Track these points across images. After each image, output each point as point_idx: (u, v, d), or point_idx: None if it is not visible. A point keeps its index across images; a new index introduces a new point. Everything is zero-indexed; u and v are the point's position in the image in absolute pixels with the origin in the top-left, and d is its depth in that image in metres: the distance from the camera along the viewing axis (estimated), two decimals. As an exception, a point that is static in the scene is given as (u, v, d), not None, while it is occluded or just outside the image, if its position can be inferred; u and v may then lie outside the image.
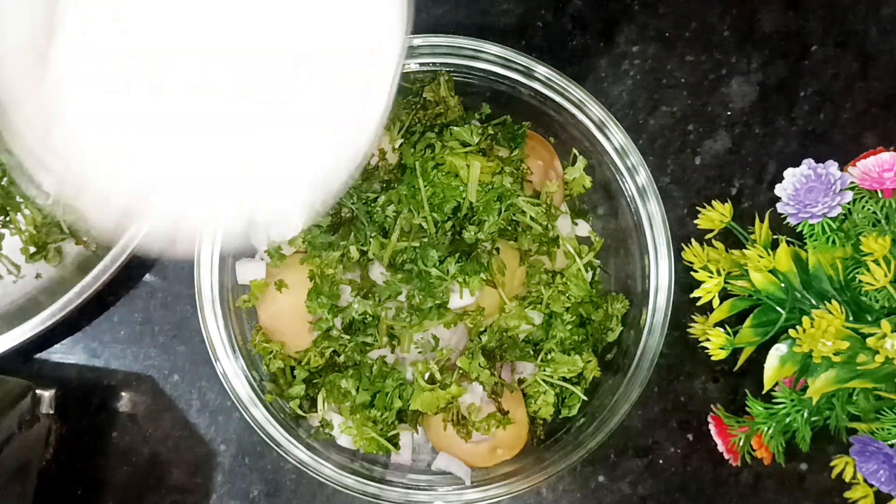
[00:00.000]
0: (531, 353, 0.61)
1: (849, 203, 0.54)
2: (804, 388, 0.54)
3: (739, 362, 0.56)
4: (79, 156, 0.41)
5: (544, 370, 0.61)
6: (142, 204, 0.42)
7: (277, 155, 0.43)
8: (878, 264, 0.51)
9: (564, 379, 0.61)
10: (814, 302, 0.54)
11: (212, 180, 0.42)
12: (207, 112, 0.41)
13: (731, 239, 0.58)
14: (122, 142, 0.41)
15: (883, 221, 0.54)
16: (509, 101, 0.63)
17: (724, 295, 0.56)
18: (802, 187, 0.54)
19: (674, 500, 0.67)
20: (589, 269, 0.63)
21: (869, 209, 0.55)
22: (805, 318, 0.51)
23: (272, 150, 0.43)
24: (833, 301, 0.51)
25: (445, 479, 0.61)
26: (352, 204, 0.58)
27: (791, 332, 0.52)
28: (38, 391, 0.63)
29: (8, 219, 0.65)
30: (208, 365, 0.60)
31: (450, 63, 0.62)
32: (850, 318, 0.53)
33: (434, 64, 0.62)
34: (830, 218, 0.53)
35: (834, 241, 0.54)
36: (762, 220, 0.57)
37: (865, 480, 0.53)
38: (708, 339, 0.55)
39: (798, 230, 0.55)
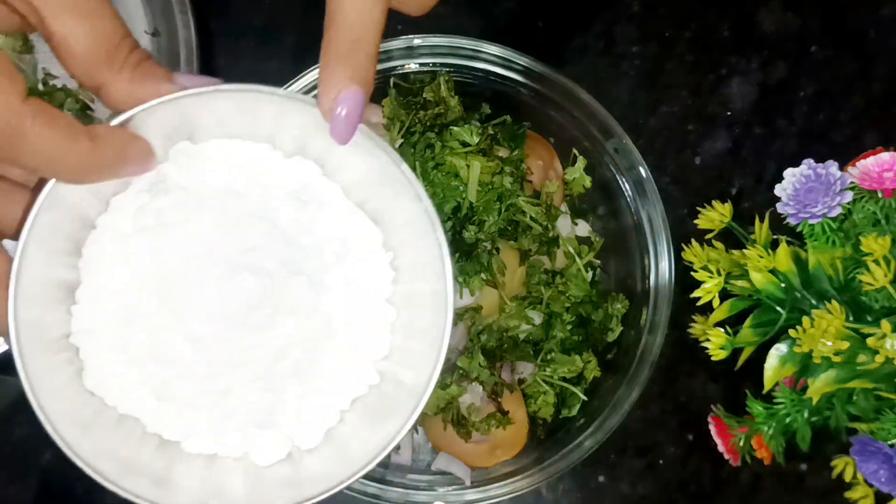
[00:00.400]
0: (531, 353, 0.61)
1: (848, 203, 0.54)
2: (804, 388, 0.54)
3: (739, 362, 0.56)
4: (114, 396, 0.40)
5: (544, 370, 0.61)
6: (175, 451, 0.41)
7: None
8: (878, 264, 0.51)
9: (564, 379, 0.61)
10: (814, 302, 0.54)
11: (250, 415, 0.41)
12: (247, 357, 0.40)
13: (731, 239, 0.57)
14: (155, 385, 0.40)
15: (883, 221, 0.54)
16: (509, 101, 0.63)
17: (724, 295, 0.56)
18: (802, 187, 0.54)
19: (674, 500, 0.67)
20: (589, 269, 0.63)
21: (869, 209, 0.55)
22: (805, 318, 0.51)
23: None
24: (833, 301, 0.51)
25: (445, 479, 0.61)
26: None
27: (791, 332, 0.52)
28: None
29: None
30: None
31: (450, 63, 0.62)
32: (850, 318, 0.53)
33: (434, 64, 0.62)
34: (830, 218, 0.53)
35: (834, 242, 0.54)
36: (762, 220, 0.56)
37: (865, 480, 0.53)
38: (708, 339, 0.55)
39: (798, 230, 0.55)
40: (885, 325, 0.49)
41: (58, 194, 0.36)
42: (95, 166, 0.35)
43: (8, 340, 0.36)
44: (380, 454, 0.39)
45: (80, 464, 0.37)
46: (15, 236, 0.37)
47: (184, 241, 0.39)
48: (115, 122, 0.36)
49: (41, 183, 0.36)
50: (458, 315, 0.59)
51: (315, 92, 0.60)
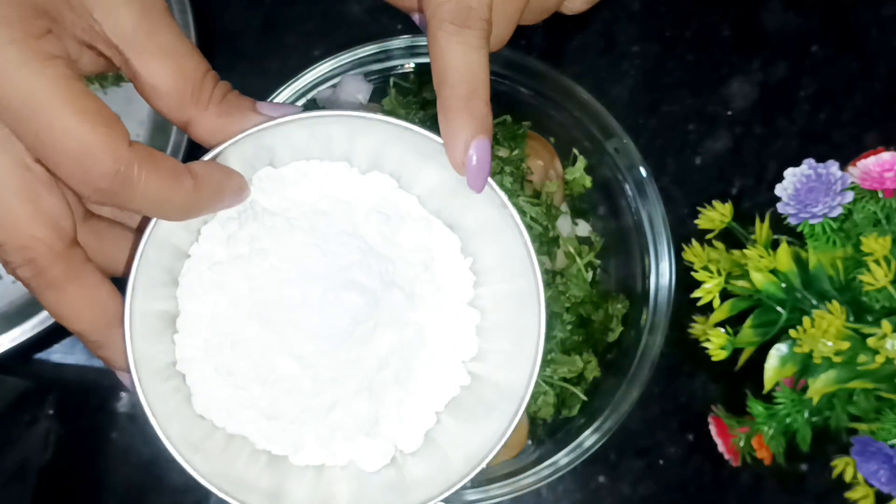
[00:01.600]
0: (531, 353, 0.61)
1: (849, 203, 0.54)
2: (804, 389, 0.54)
3: (740, 363, 0.56)
4: (222, 418, 0.41)
5: (544, 370, 0.61)
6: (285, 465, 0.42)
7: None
8: (879, 264, 0.51)
9: (564, 379, 0.61)
10: (814, 302, 0.54)
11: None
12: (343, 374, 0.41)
13: (732, 239, 0.57)
14: (260, 404, 0.41)
15: (883, 221, 0.54)
16: (509, 101, 0.63)
17: (725, 295, 0.56)
18: (803, 187, 0.54)
19: (674, 501, 0.66)
20: (589, 269, 0.63)
21: (870, 209, 0.55)
22: (805, 319, 0.51)
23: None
24: (834, 301, 0.51)
25: (445, 480, 0.61)
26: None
27: (791, 332, 0.52)
28: (37, 391, 0.63)
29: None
30: (208, 365, 0.60)
31: (450, 63, 0.62)
32: (851, 319, 0.53)
33: (434, 64, 0.62)
34: (831, 218, 0.53)
35: (834, 242, 0.54)
36: (763, 220, 0.56)
37: (866, 481, 0.52)
38: (708, 340, 0.55)
39: (798, 230, 0.55)
40: (886, 325, 0.49)
41: (158, 231, 0.37)
42: (198, 205, 0.37)
43: (125, 375, 0.38)
44: (483, 458, 0.40)
45: (201, 481, 0.38)
46: (122, 274, 0.38)
47: (279, 263, 0.40)
48: (207, 157, 0.37)
49: (143, 222, 0.38)
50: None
51: (323, 88, 0.61)
